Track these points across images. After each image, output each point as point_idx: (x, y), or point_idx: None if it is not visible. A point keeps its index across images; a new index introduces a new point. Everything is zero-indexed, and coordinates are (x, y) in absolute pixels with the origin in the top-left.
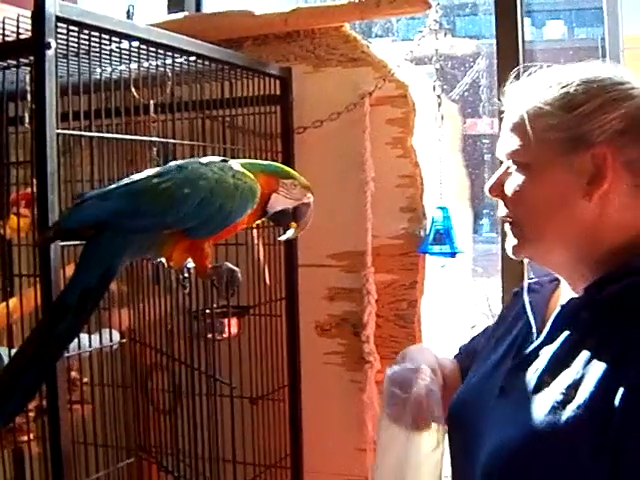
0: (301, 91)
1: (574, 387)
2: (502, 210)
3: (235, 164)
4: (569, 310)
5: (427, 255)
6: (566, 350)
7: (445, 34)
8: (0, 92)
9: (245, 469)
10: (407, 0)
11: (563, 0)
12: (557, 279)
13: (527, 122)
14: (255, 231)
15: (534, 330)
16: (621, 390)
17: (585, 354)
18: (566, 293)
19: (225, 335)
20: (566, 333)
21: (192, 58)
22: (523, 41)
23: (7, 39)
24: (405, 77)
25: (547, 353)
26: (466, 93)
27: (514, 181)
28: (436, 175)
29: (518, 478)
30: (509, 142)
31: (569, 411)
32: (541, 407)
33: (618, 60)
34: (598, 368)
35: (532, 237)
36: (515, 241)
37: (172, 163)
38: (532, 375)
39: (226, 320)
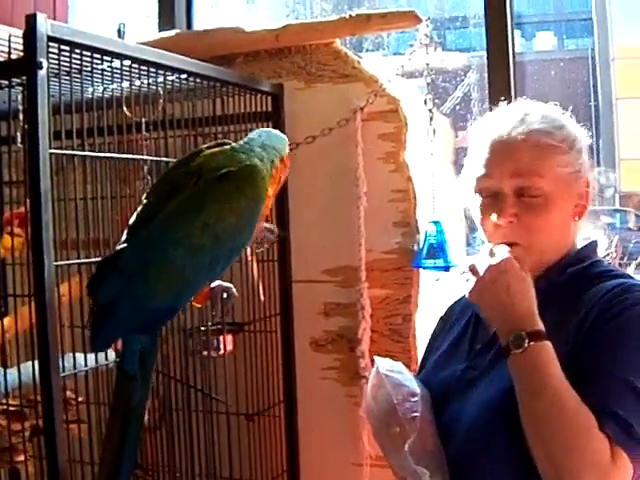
0: (293, 107)
1: None
2: (510, 235)
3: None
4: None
5: (421, 269)
6: None
7: (436, 48)
8: None
9: None
10: (397, 15)
11: (553, 11)
12: None
13: (552, 157)
14: (249, 248)
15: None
16: (589, 320)
17: (552, 322)
18: None
19: (220, 352)
20: None
21: (183, 76)
22: (514, 53)
23: None
24: (396, 92)
25: None
26: (457, 106)
27: (536, 210)
28: (429, 189)
29: (503, 438)
30: (532, 176)
31: None
32: None
33: (608, 70)
34: (568, 324)
35: (537, 256)
36: (517, 261)
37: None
38: (496, 352)
39: (221, 337)
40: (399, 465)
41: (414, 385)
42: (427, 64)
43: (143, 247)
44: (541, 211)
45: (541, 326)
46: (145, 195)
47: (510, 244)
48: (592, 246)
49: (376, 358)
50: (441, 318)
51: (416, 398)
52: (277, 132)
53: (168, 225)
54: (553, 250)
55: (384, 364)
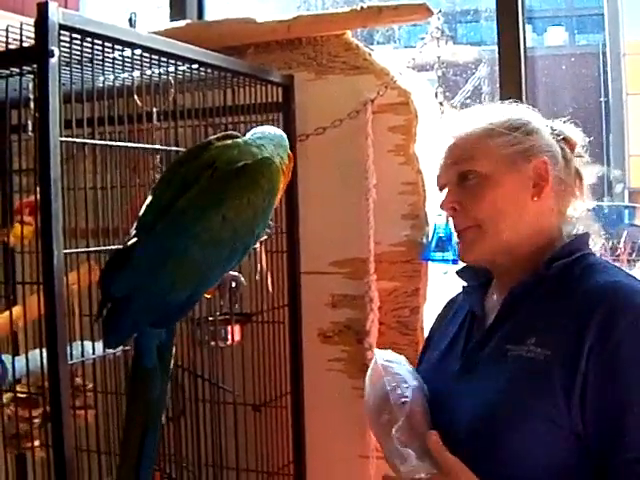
0: (303, 98)
1: (540, 344)
2: (459, 223)
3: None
4: (520, 290)
5: (429, 262)
6: (524, 320)
7: (447, 41)
8: (3, 100)
9: (248, 476)
10: (409, 7)
11: (564, 6)
12: (483, 284)
13: (485, 140)
14: None
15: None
16: (589, 337)
17: (544, 318)
18: (500, 288)
19: (228, 342)
20: (521, 308)
21: (195, 66)
22: (525, 48)
23: (10, 47)
24: (407, 84)
25: (504, 328)
26: (468, 100)
27: (475, 191)
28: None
29: (507, 429)
30: (466, 160)
31: (541, 361)
32: (512, 367)
33: (619, 65)
34: (563, 324)
35: (493, 235)
36: (473, 243)
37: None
38: (492, 349)
39: (229, 327)
40: (388, 450)
41: (409, 374)
42: (438, 57)
43: (159, 241)
44: (480, 192)
45: None
46: (154, 186)
47: (465, 229)
48: (582, 239)
49: (376, 350)
50: (439, 315)
51: (407, 385)
52: (277, 130)
53: (185, 219)
54: (512, 230)
55: (383, 355)
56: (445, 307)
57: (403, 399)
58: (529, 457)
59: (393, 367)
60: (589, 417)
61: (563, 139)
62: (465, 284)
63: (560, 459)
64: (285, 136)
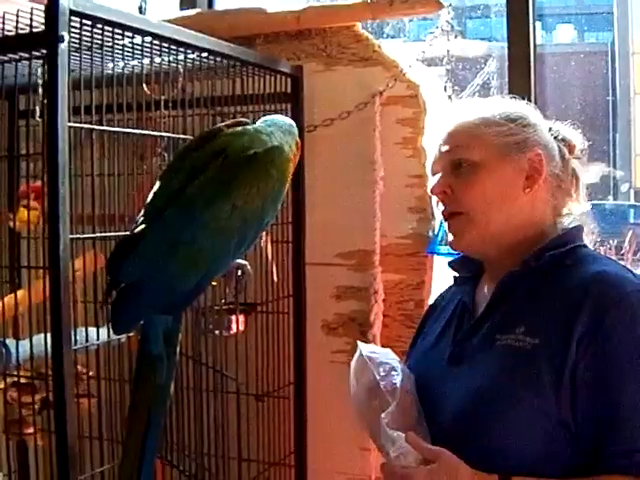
0: (312, 89)
1: (529, 333)
2: (447, 207)
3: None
4: (510, 281)
5: (435, 255)
6: (514, 310)
7: (456, 36)
8: (12, 85)
9: (249, 466)
10: (419, 0)
11: (574, 4)
12: (475, 276)
13: (479, 129)
14: None
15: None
16: (579, 326)
17: (533, 307)
18: (492, 279)
19: (232, 332)
20: (511, 298)
21: (204, 54)
22: (534, 44)
23: (20, 32)
24: (416, 77)
25: (493, 318)
26: (476, 95)
27: (467, 179)
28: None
29: (493, 417)
30: (460, 148)
31: (529, 350)
32: (500, 356)
33: (628, 64)
34: (552, 313)
35: (483, 224)
36: (462, 231)
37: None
38: (481, 339)
39: (233, 317)
40: (378, 436)
41: (396, 363)
42: (447, 51)
43: (168, 228)
44: (471, 179)
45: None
46: (162, 173)
47: (452, 214)
48: (575, 231)
49: (359, 343)
50: (431, 305)
51: (396, 372)
52: (286, 118)
53: (194, 206)
54: (501, 220)
55: (368, 348)
56: (437, 298)
57: (393, 385)
58: (515, 444)
59: (379, 357)
60: (580, 407)
61: (562, 140)
62: (457, 275)
63: (546, 447)
64: (294, 124)
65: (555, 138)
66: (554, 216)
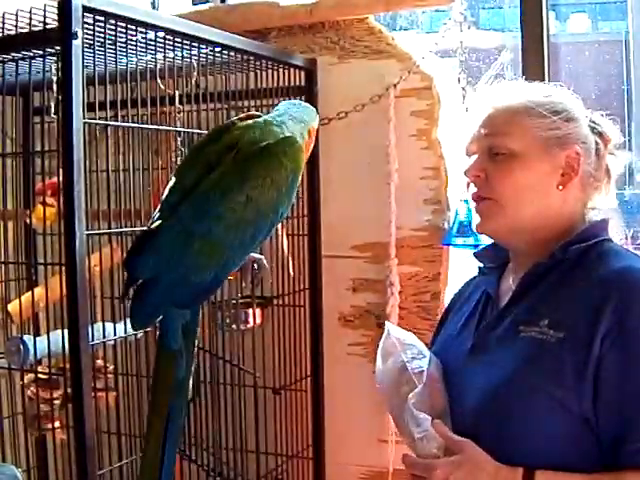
0: (326, 82)
1: (553, 327)
2: (479, 191)
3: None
4: (535, 272)
5: (450, 247)
6: (538, 302)
7: (469, 27)
8: (26, 82)
9: (267, 459)
10: None
11: None
12: (500, 267)
13: (523, 118)
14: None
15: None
16: (604, 321)
17: (558, 301)
18: (516, 270)
19: (249, 325)
20: (536, 290)
21: (217, 49)
22: (548, 34)
23: (34, 29)
24: (430, 69)
25: (517, 310)
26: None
27: (503, 167)
28: (460, 167)
29: (515, 407)
30: (501, 135)
31: (553, 343)
32: (523, 348)
33: None
34: (577, 308)
35: (512, 214)
36: (490, 216)
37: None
38: (505, 329)
39: (250, 310)
40: (404, 420)
41: (423, 347)
42: (461, 42)
43: (184, 222)
44: (507, 168)
45: (519, 470)
46: (177, 168)
47: (482, 199)
48: (601, 225)
49: (387, 323)
50: (455, 295)
51: (423, 355)
52: (304, 104)
53: (209, 200)
54: (531, 213)
55: (395, 329)
56: (461, 288)
57: (420, 369)
58: (534, 437)
59: (407, 340)
60: (602, 401)
61: (599, 133)
62: (482, 265)
63: (565, 440)
64: (312, 110)
65: (592, 131)
66: (582, 210)
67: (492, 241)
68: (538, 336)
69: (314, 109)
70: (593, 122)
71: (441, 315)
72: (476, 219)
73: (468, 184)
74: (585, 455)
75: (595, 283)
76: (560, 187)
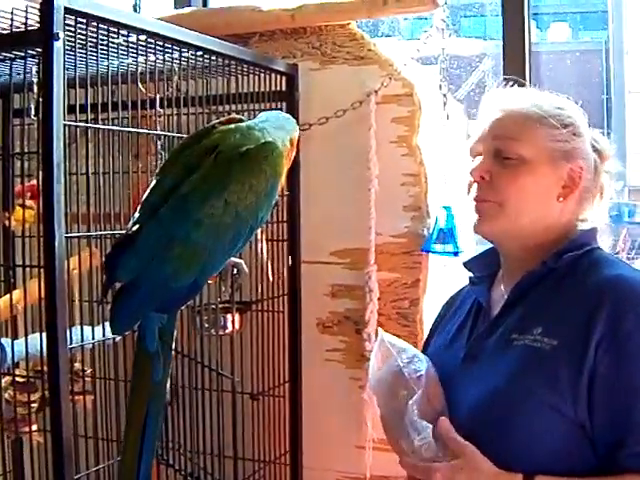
0: (307, 88)
1: (547, 334)
2: (482, 193)
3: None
4: (528, 281)
5: (430, 254)
6: (531, 310)
7: (451, 34)
8: (7, 83)
9: (245, 464)
10: None
11: (568, 3)
12: (490, 276)
13: (534, 125)
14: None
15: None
16: (597, 329)
17: (551, 309)
18: (507, 278)
19: (227, 331)
20: (528, 298)
21: (199, 53)
22: (530, 43)
23: (15, 30)
24: (411, 76)
25: (510, 318)
26: (472, 93)
27: (510, 171)
28: (440, 174)
29: (510, 416)
30: (511, 140)
31: (547, 351)
32: (518, 356)
33: (622, 63)
34: (570, 315)
35: (512, 218)
36: (489, 217)
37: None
38: (498, 338)
39: (229, 315)
40: (401, 427)
41: (418, 351)
42: (442, 50)
43: (163, 226)
44: (515, 173)
45: (518, 476)
46: (157, 171)
47: (485, 201)
48: (591, 233)
49: (380, 330)
50: (445, 303)
51: (419, 359)
52: (285, 114)
53: (189, 203)
54: (529, 221)
55: (388, 336)
56: (450, 298)
57: (418, 373)
58: (530, 444)
59: (401, 344)
60: (597, 408)
61: (598, 150)
62: (471, 275)
63: (561, 447)
64: (292, 121)
65: (592, 147)
66: (575, 222)
67: (480, 251)
68: (532, 344)
69: (294, 120)
70: (594, 139)
71: (431, 326)
72: (473, 219)
73: (470, 184)
74: (583, 460)
75: (588, 291)
76: (560, 199)
